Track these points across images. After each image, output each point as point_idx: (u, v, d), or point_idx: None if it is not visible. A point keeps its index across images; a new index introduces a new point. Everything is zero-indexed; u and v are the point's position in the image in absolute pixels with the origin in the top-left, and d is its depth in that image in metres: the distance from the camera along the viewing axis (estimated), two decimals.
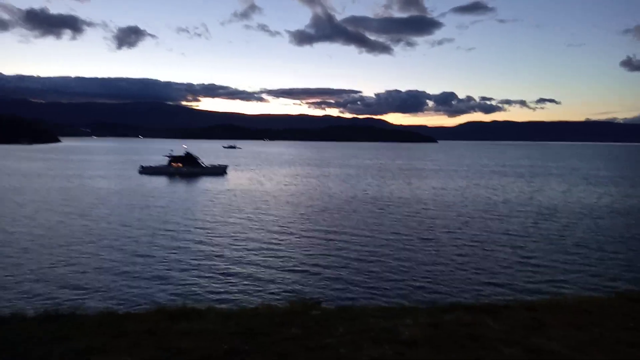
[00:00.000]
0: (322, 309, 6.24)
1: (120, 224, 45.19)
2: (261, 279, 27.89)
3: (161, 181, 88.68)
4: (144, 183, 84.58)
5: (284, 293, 25.08)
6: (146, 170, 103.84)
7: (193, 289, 26.14)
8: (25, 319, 5.16)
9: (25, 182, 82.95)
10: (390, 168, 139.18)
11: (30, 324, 4.89)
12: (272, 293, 25.27)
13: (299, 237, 39.45)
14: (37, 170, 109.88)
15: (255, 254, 33.81)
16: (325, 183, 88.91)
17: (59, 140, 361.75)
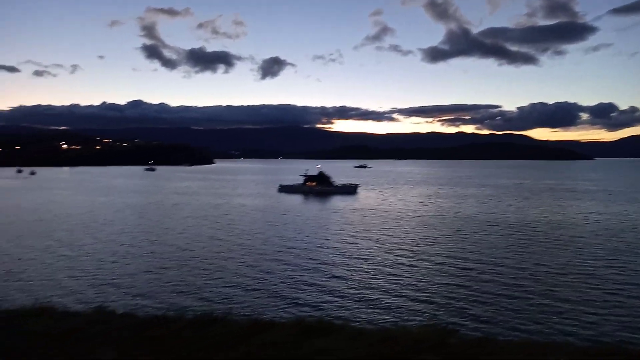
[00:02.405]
0: (459, 338, 5.88)
1: (260, 239, 48.95)
2: (391, 301, 27.44)
3: (297, 199, 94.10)
4: (281, 201, 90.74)
5: (415, 317, 24.28)
6: (284, 189, 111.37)
7: (324, 304, 26.86)
8: (185, 321, 5.83)
9: (186, 199, 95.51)
10: (536, 189, 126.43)
11: (189, 326, 5.51)
12: (403, 316, 24.65)
13: (430, 261, 37.96)
14: (195, 189, 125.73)
15: (385, 275, 33.47)
16: (459, 204, 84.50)
17: (213, 162, 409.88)
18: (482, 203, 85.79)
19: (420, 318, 23.55)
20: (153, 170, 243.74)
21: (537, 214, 67.89)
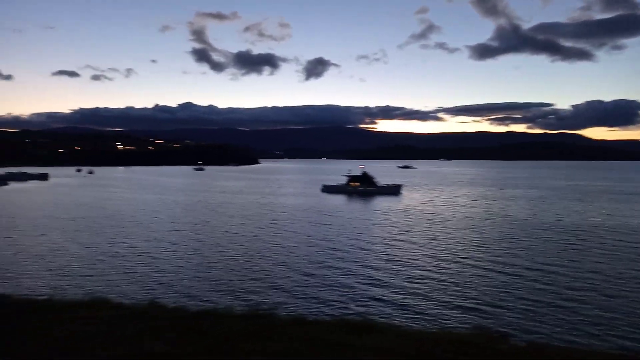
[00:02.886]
0: (509, 343, 5.69)
1: (303, 239, 49.38)
2: (436, 305, 26.87)
3: (340, 199, 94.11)
4: (324, 201, 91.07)
5: (461, 322, 23.65)
6: (327, 189, 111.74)
7: (367, 306, 26.71)
8: (234, 315, 6.00)
9: (231, 198, 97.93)
10: (591, 191, 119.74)
11: (237, 320, 5.66)
12: (449, 321, 24.07)
13: (477, 266, 36.82)
14: (240, 188, 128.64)
15: (429, 279, 32.83)
16: (509, 206, 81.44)
17: (258, 162, 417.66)
18: (533, 205, 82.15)
19: (467, 323, 22.91)
20: (202, 169, 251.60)
21: (592, 218, 64.27)
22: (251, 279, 32.19)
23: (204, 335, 4.99)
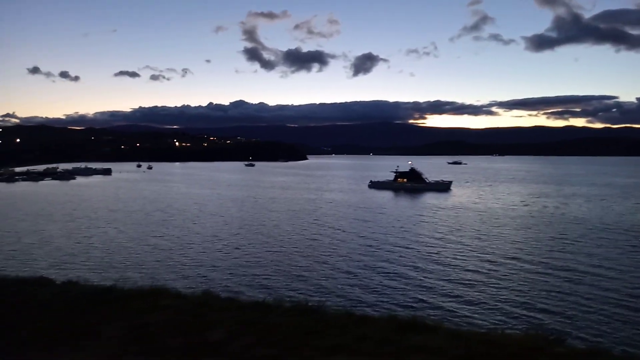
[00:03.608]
0: (567, 347, 5.46)
1: (350, 235, 49.40)
2: (487, 306, 26.08)
3: (387, 196, 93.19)
4: (372, 197, 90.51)
5: (514, 324, 22.83)
6: (374, 185, 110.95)
7: (414, 304, 26.38)
8: (284, 308, 6.15)
9: (281, 193, 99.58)
10: None
11: (288, 313, 5.79)
12: (500, 322, 23.30)
13: (531, 266, 35.29)
14: (289, 183, 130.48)
15: (479, 279, 31.88)
16: (566, 205, 77.19)
17: (306, 158, 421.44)
18: (593, 204, 77.33)
19: (521, 325, 22.07)
20: (252, 165, 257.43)
21: None
22: (295, 275, 32.70)
23: (257, 326, 5.17)
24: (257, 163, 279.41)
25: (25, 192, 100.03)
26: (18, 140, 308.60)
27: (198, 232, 50.22)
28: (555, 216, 62.62)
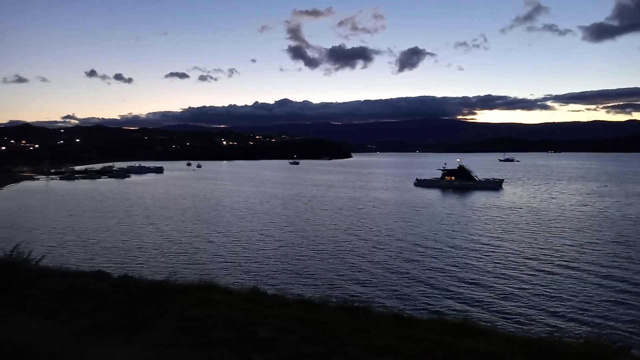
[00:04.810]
0: (630, 356, 5.08)
1: (395, 234, 48.74)
2: (540, 311, 24.92)
3: (434, 194, 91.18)
4: (418, 195, 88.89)
5: (570, 331, 21.66)
6: (421, 183, 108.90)
7: (462, 306, 25.64)
8: (331, 306, 6.12)
9: (324, 191, 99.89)
10: None
11: (335, 312, 5.76)
12: (555, 329, 22.17)
13: (588, 270, 33.36)
14: (333, 181, 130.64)
15: (531, 283, 30.52)
16: (629, 205, 72.33)
17: (350, 156, 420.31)
18: None
19: (577, 333, 20.91)
20: (297, 163, 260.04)
21: None
22: (339, 274, 32.69)
23: (304, 324, 5.17)
24: (301, 161, 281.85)
25: (85, 189, 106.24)
26: (78, 140, 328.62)
27: (244, 230, 51.34)
28: (617, 217, 58.80)
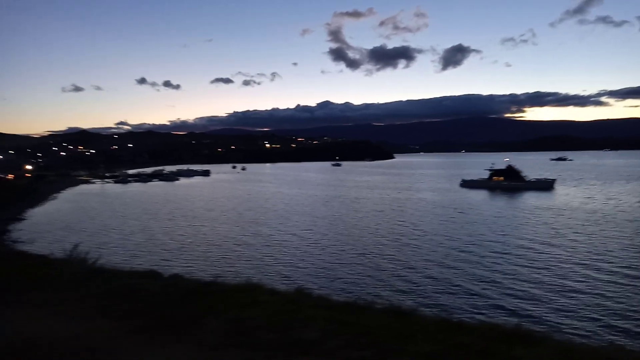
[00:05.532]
0: None
1: (440, 236, 47.64)
2: (595, 317, 23.55)
3: (481, 195, 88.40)
4: (464, 196, 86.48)
5: (631, 340, 20.33)
6: (467, 184, 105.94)
7: (516, 311, 24.66)
8: (375, 310, 6.03)
9: (366, 193, 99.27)
10: None
11: (380, 316, 5.67)
12: (614, 338, 20.88)
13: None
14: (374, 183, 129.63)
15: (585, 286, 28.90)
16: None
17: (393, 157, 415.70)
18: None
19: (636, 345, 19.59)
20: (339, 165, 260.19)
21: None
22: (382, 277, 32.32)
23: (349, 327, 5.13)
24: (343, 163, 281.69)
25: (137, 192, 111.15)
26: (130, 145, 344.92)
27: (286, 231, 51.88)
28: None
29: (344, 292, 26.77)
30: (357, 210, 69.89)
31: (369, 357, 4.27)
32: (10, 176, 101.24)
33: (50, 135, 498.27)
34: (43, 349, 4.90)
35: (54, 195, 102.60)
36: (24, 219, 65.19)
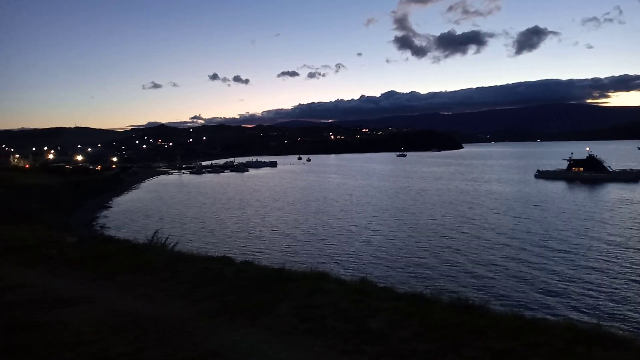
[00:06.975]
0: None
1: (514, 230, 45.33)
2: None
3: (559, 187, 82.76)
4: (539, 188, 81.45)
5: None
6: (542, 175, 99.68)
7: (596, 311, 22.99)
8: (442, 303, 5.94)
9: (432, 184, 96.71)
10: None
11: (447, 310, 5.58)
12: None
13: None
14: (441, 174, 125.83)
15: None
16: None
17: (462, 147, 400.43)
18: None
19: None
20: (404, 156, 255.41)
21: None
22: (448, 271, 31.43)
23: (416, 319, 5.12)
24: (408, 153, 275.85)
25: (210, 182, 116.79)
26: (204, 138, 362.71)
27: (351, 222, 52.03)
28: None
29: (408, 284, 26.45)
30: (423, 202, 68.38)
31: (437, 351, 4.24)
32: (99, 167, 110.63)
33: (132, 129, 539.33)
34: (145, 325, 5.48)
35: (137, 185, 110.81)
36: (111, 207, 71.08)
